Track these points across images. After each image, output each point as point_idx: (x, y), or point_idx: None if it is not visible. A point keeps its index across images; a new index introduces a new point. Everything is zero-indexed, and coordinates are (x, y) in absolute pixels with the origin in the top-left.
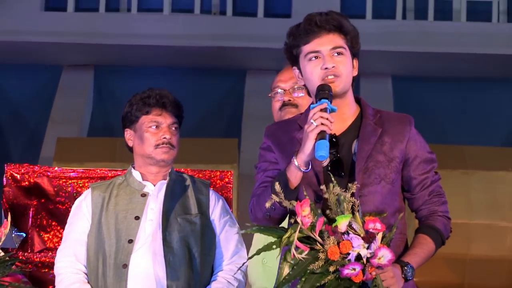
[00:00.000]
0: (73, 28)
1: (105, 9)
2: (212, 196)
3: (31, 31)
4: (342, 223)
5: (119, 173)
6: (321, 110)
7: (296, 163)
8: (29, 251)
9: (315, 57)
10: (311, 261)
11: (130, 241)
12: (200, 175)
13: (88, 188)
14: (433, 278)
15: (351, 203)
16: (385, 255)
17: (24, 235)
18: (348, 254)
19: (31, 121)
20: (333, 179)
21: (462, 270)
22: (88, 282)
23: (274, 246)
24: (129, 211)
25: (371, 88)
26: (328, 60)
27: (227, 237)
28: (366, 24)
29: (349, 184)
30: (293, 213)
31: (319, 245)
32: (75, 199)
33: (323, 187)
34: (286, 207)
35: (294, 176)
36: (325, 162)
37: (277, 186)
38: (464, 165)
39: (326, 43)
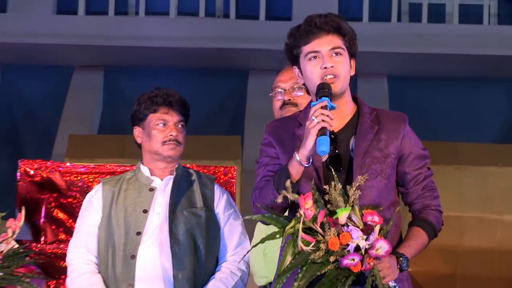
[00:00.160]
0: (84, 31)
1: (114, 13)
2: (217, 190)
3: (43, 34)
4: (342, 215)
5: (127, 168)
6: (322, 107)
7: (297, 157)
8: (42, 242)
9: (314, 57)
10: (312, 251)
11: (138, 233)
12: (205, 171)
13: (99, 182)
14: (427, 268)
15: (353, 197)
16: (382, 247)
17: (37, 227)
18: (348, 245)
19: (44, 119)
20: (334, 174)
21: (455, 261)
22: (99, 272)
23: (277, 236)
24: (137, 205)
25: (367, 88)
26: (327, 60)
27: (231, 229)
28: (363, 26)
29: (358, 177)
30: (295, 205)
31: (320, 236)
32: (86, 193)
33: (326, 186)
34: (287, 200)
35: (296, 171)
36: (324, 158)
37: (287, 183)
38: (457, 160)
39: (325, 44)
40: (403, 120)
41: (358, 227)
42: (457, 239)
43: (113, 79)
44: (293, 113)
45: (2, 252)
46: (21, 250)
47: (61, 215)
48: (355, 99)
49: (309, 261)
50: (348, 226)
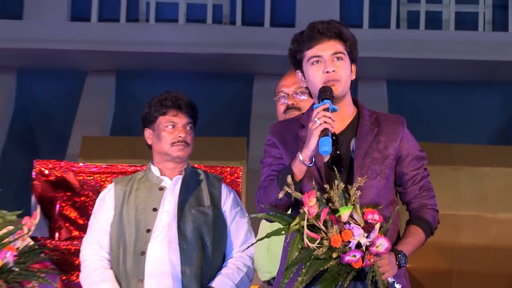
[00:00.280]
0: (97, 37)
1: (126, 19)
2: (224, 189)
3: (58, 40)
4: (344, 213)
5: (138, 168)
6: (324, 109)
7: (301, 157)
8: (56, 239)
9: (317, 61)
10: (315, 247)
11: (148, 231)
12: (212, 171)
13: (111, 182)
14: (424, 264)
15: (354, 196)
16: (382, 244)
17: (52, 225)
18: (349, 242)
19: (59, 121)
20: (337, 174)
21: (451, 257)
22: (111, 268)
23: (283, 232)
24: (147, 203)
25: (367, 91)
26: (329, 64)
27: (237, 227)
28: (363, 32)
29: (358, 178)
30: (298, 203)
31: (323, 233)
32: (98, 192)
33: (327, 186)
34: (291, 198)
35: (299, 170)
36: (326, 158)
37: (289, 179)
38: (453, 161)
39: (327, 49)
40: (401, 123)
41: (359, 225)
42: (453, 236)
43: (125, 83)
44: (296, 115)
45: (18, 248)
46: (36, 247)
47: (74, 213)
48: (355, 102)
49: (313, 257)
50: (349, 224)
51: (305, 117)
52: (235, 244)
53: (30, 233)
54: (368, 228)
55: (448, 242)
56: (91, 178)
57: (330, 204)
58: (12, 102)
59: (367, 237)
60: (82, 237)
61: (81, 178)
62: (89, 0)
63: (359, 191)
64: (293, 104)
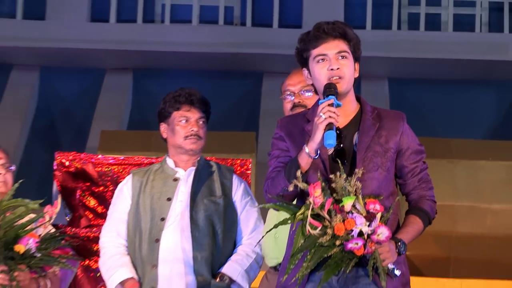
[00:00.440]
0: (115, 37)
1: (142, 21)
2: (235, 180)
3: (79, 39)
4: (347, 203)
5: (153, 160)
6: (329, 105)
7: (307, 150)
8: (75, 227)
9: (322, 59)
10: (320, 235)
11: (162, 219)
12: (223, 163)
13: (128, 173)
14: (423, 252)
15: (356, 187)
16: (383, 232)
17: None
18: (352, 230)
19: (79, 117)
20: (340, 166)
21: (448, 246)
22: (128, 254)
23: (289, 221)
24: (162, 193)
25: (370, 89)
26: (334, 62)
27: (247, 215)
28: (366, 33)
29: (356, 170)
30: (304, 194)
31: (327, 222)
32: (116, 182)
33: (332, 176)
34: (297, 188)
35: (305, 162)
36: (330, 151)
37: (296, 172)
38: (450, 155)
39: (332, 48)
40: (401, 118)
41: (362, 215)
42: (450, 226)
43: (141, 81)
44: (302, 111)
45: (40, 235)
46: (57, 234)
47: (93, 202)
48: (358, 99)
49: (317, 244)
50: (352, 213)
51: (310, 112)
52: (245, 232)
53: (52, 221)
54: (369, 217)
55: (446, 231)
56: (109, 169)
57: (334, 195)
58: (35, 99)
59: (368, 226)
60: (101, 225)
61: (100, 169)
62: (108, 2)
63: (358, 182)
64: (299, 102)
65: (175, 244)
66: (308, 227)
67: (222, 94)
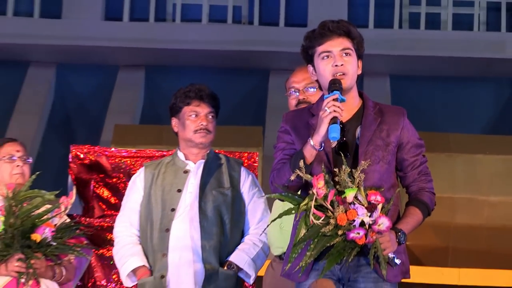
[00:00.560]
0: (128, 35)
1: (154, 19)
2: (243, 172)
3: (93, 37)
4: (349, 194)
5: (164, 153)
6: (334, 99)
7: (312, 143)
8: (90, 217)
9: (327, 56)
10: (323, 225)
11: (173, 210)
12: (232, 156)
13: (140, 165)
14: (423, 242)
15: (359, 179)
16: (384, 223)
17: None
18: (354, 220)
19: (93, 111)
20: (343, 158)
21: (447, 236)
22: (140, 243)
23: (293, 211)
24: (173, 185)
25: (372, 86)
26: (338, 59)
27: (255, 206)
28: (369, 32)
29: (362, 162)
30: (308, 185)
31: (330, 212)
32: (128, 174)
33: (336, 169)
34: (302, 179)
35: (310, 154)
36: (334, 144)
37: (301, 163)
38: (449, 149)
39: (337, 45)
40: (402, 114)
41: (363, 205)
42: (449, 217)
43: (153, 77)
44: (307, 106)
45: (55, 225)
46: (72, 224)
47: (106, 193)
48: (361, 95)
49: (320, 234)
50: (354, 204)
51: (315, 107)
52: (252, 222)
53: (67, 211)
54: (371, 208)
55: (445, 222)
56: (122, 161)
57: (337, 186)
58: (52, 94)
59: (370, 216)
60: (114, 215)
61: (113, 161)
62: (121, 1)
63: (362, 174)
64: (304, 98)
65: (184, 234)
66: (311, 217)
67: (231, 90)
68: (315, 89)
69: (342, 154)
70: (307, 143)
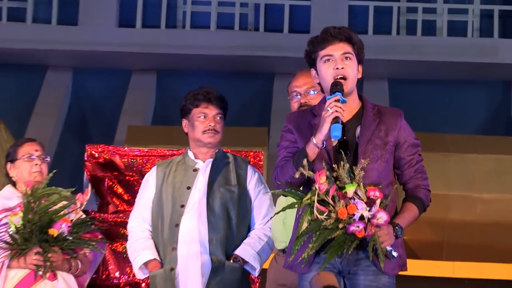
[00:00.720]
0: (140, 41)
1: (165, 26)
2: (250, 170)
3: (107, 43)
4: (350, 190)
5: (174, 152)
6: (336, 100)
7: (314, 141)
8: (104, 212)
9: (328, 59)
10: (325, 219)
11: (182, 206)
12: (238, 155)
13: (152, 163)
14: (419, 237)
15: (358, 176)
16: (382, 217)
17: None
18: (354, 214)
19: (108, 113)
20: (344, 156)
21: (442, 231)
22: (152, 238)
23: (296, 206)
24: (183, 183)
25: (371, 89)
26: (339, 62)
27: (261, 203)
28: (368, 38)
29: (362, 160)
30: (310, 181)
31: (331, 206)
32: (140, 172)
33: (335, 166)
34: (304, 176)
35: (312, 152)
36: (335, 143)
37: (304, 161)
38: (444, 149)
39: (338, 49)
40: (400, 115)
41: (363, 200)
42: (444, 213)
43: (164, 81)
44: (309, 107)
45: (72, 220)
46: (87, 219)
47: (120, 190)
48: (360, 97)
49: (322, 227)
50: (354, 199)
51: (317, 108)
52: (257, 217)
53: (82, 207)
54: (370, 203)
55: (440, 218)
56: (134, 160)
57: (337, 182)
58: (68, 97)
59: (369, 211)
60: (127, 211)
61: (126, 160)
62: (134, 9)
63: (362, 171)
64: (305, 102)
65: (193, 228)
66: (315, 212)
67: (237, 93)
68: (315, 92)
69: (343, 152)
70: (309, 142)
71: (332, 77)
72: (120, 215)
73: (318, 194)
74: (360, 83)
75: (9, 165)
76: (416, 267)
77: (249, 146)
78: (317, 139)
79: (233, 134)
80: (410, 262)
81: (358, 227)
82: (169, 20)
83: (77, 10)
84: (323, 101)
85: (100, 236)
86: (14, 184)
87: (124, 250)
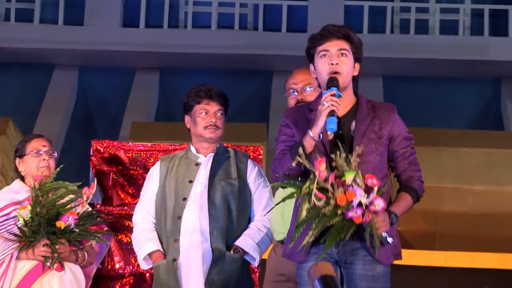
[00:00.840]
0: (144, 40)
1: (168, 26)
2: (250, 164)
3: (112, 43)
4: (349, 177)
5: (177, 147)
6: (331, 95)
7: (311, 134)
8: (109, 205)
9: (324, 55)
10: (323, 206)
11: (184, 199)
12: (238, 149)
13: (155, 158)
14: (413, 228)
15: (354, 163)
16: (379, 204)
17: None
18: (352, 201)
19: (112, 110)
20: (340, 147)
21: (435, 222)
22: (155, 230)
23: (295, 195)
24: (185, 176)
25: (366, 86)
26: (334, 58)
27: (260, 195)
28: (363, 37)
29: (357, 147)
30: (307, 174)
31: (330, 193)
32: (144, 166)
33: (333, 155)
34: (301, 168)
35: (309, 145)
36: (331, 136)
37: (300, 150)
38: (437, 143)
39: (335, 45)
40: (393, 109)
41: (361, 187)
42: (436, 205)
43: (167, 79)
44: (306, 102)
45: (78, 213)
46: (93, 212)
47: (124, 183)
48: (355, 93)
49: (321, 214)
50: (353, 186)
51: (313, 103)
52: (257, 209)
53: (89, 200)
54: (368, 190)
55: (433, 209)
56: (138, 155)
57: (335, 171)
58: (74, 94)
59: (367, 198)
60: (131, 203)
61: (130, 155)
62: (138, 10)
63: (357, 158)
64: (302, 98)
65: (194, 220)
66: (313, 198)
67: (237, 90)
68: (312, 89)
69: (340, 143)
70: (306, 135)
71: (327, 72)
72: (125, 207)
73: (318, 181)
74: (355, 81)
75: (18, 160)
76: (410, 257)
77: (249, 141)
78: (314, 132)
79: (234, 129)
80: (404, 252)
81: (357, 213)
82: (172, 20)
83: (83, 11)
84: (320, 96)
85: (105, 228)
86: (22, 178)
87: (129, 241)
